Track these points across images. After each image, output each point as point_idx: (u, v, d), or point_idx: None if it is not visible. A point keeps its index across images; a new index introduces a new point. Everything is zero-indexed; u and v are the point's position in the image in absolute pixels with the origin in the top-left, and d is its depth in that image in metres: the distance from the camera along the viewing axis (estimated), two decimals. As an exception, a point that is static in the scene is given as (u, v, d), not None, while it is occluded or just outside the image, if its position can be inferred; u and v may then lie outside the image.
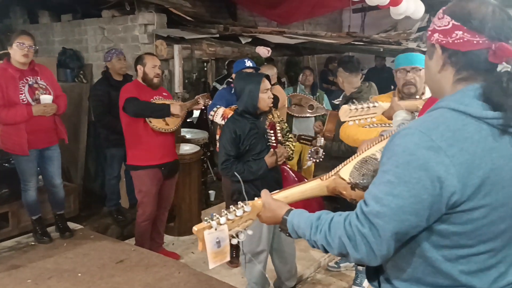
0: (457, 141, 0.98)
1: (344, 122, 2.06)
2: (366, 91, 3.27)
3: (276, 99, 3.00)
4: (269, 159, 2.76)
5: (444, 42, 1.08)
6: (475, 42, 1.04)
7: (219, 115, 3.50)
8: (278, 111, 3.17)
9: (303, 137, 3.64)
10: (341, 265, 3.65)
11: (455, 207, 0.99)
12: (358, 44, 5.69)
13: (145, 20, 4.32)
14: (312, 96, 4.88)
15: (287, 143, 3.03)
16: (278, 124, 2.93)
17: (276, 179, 2.82)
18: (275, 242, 2.96)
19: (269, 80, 2.85)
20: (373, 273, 1.22)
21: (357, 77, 3.37)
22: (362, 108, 1.99)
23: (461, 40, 1.05)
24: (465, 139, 0.98)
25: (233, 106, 3.58)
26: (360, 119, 2.00)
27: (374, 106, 2.02)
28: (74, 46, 5.02)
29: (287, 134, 3.07)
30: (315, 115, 4.63)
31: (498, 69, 1.04)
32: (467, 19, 1.04)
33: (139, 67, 3.42)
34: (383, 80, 5.98)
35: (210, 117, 3.57)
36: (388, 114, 2.06)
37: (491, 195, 0.99)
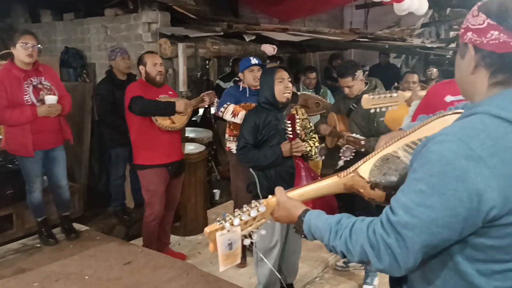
0: (498, 150, 0.91)
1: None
2: (380, 87, 3.23)
3: (295, 95, 2.98)
4: (284, 146, 2.76)
5: (478, 42, 1.01)
6: None
7: (229, 112, 3.49)
8: (302, 109, 3.12)
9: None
10: (350, 264, 3.61)
11: (493, 221, 0.92)
12: (363, 41, 5.64)
13: (149, 19, 4.29)
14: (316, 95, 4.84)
15: (310, 141, 2.98)
16: (299, 119, 2.88)
17: (290, 173, 2.80)
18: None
19: (287, 71, 2.85)
20: (396, 282, 1.17)
21: (359, 74, 3.22)
22: (380, 96, 2.05)
23: (497, 41, 0.98)
24: (507, 149, 0.91)
25: (242, 104, 3.56)
26: (382, 107, 2.05)
27: (392, 95, 2.06)
28: (77, 45, 4.98)
29: (310, 133, 3.04)
30: (322, 111, 4.58)
31: None
32: (504, 18, 0.97)
33: (141, 67, 3.41)
34: (387, 77, 5.94)
35: (220, 113, 3.58)
36: (410, 103, 2.11)
37: None
